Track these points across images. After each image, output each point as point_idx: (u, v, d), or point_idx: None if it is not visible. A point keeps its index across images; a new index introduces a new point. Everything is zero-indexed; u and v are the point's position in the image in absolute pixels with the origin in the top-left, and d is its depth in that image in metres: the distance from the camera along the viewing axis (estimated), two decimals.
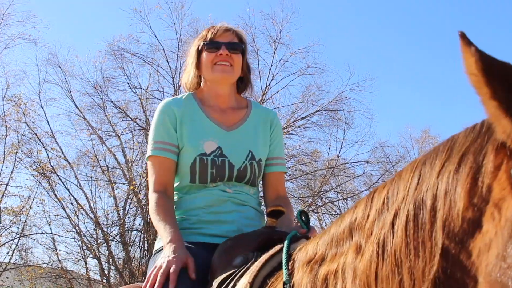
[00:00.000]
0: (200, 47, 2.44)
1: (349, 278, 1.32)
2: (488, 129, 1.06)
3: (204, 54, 2.42)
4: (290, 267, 1.65)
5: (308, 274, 1.50)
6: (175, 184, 2.40)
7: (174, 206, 2.35)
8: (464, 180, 1.05)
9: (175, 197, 2.39)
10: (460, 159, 1.09)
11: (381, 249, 1.22)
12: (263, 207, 2.54)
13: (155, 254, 2.29)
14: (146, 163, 2.46)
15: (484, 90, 0.95)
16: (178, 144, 2.35)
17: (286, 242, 1.78)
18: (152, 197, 2.29)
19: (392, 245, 1.19)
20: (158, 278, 1.95)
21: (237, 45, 2.44)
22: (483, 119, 1.10)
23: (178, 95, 2.61)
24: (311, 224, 2.07)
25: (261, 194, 2.57)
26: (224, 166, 2.32)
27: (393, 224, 1.21)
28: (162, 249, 2.15)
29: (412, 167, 1.25)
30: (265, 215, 2.42)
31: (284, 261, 1.68)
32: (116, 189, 16.58)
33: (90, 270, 16.81)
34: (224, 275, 1.88)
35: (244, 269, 1.84)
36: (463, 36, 0.99)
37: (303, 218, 2.07)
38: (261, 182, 2.54)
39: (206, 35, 2.44)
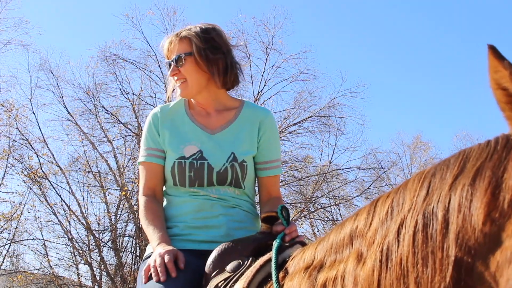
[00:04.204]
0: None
1: (350, 286, 1.32)
2: (505, 145, 1.07)
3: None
4: (283, 273, 1.66)
5: (306, 280, 1.50)
6: (164, 188, 2.45)
7: (164, 210, 2.38)
8: (482, 194, 1.05)
9: (165, 201, 2.43)
10: (476, 173, 1.09)
11: (385, 258, 1.22)
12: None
13: (145, 259, 2.30)
14: (138, 169, 2.50)
15: None
16: (163, 149, 2.39)
17: (274, 247, 1.81)
18: (141, 200, 2.36)
19: (397, 254, 1.19)
20: (159, 268, 1.98)
21: (179, 58, 2.35)
22: (497, 136, 1.11)
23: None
24: (302, 229, 2.09)
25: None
26: (202, 169, 2.31)
27: (398, 233, 1.21)
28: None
29: (419, 178, 1.24)
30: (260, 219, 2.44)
31: (273, 266, 1.70)
32: (108, 195, 16.51)
33: (81, 276, 16.73)
34: (219, 279, 1.89)
35: (239, 274, 1.85)
36: (493, 49, 0.98)
37: (284, 214, 2.08)
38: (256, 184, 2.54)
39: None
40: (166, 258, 2.01)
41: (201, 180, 2.31)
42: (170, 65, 2.40)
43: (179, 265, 2.02)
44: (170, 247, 2.09)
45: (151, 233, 2.21)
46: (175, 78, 2.41)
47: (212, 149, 2.34)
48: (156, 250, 2.09)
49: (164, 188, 2.44)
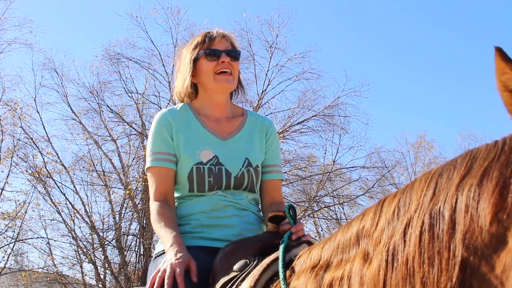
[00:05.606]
0: (196, 56, 2.43)
1: (356, 285, 1.32)
2: None
3: (204, 63, 2.42)
4: (289, 272, 1.66)
5: (313, 279, 1.50)
6: (175, 195, 2.41)
7: (176, 214, 2.34)
8: (490, 195, 1.05)
9: (176, 202, 2.40)
10: (483, 173, 1.09)
11: (391, 258, 1.22)
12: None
13: (156, 257, 2.29)
14: (143, 170, 2.47)
15: None
16: (176, 153, 2.36)
17: (281, 246, 1.81)
18: (153, 206, 2.30)
19: (403, 254, 1.19)
20: (166, 281, 1.93)
21: (236, 53, 2.45)
22: (504, 137, 1.11)
23: (174, 102, 2.61)
24: (306, 228, 2.09)
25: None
26: (221, 174, 2.33)
27: (404, 233, 1.21)
28: (164, 252, 2.16)
29: (426, 178, 1.24)
30: (264, 221, 2.45)
31: (280, 264, 1.70)
32: (112, 194, 16.55)
33: (85, 275, 16.78)
34: (226, 279, 1.90)
35: (246, 273, 1.86)
36: (500, 51, 0.98)
37: (291, 213, 2.10)
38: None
39: (203, 42, 2.43)
40: (178, 271, 1.94)
41: (219, 185, 2.33)
42: (214, 54, 2.40)
43: (191, 278, 1.98)
44: (183, 255, 2.02)
45: (164, 235, 2.16)
46: (224, 68, 2.40)
47: (227, 155, 2.37)
48: (169, 255, 2.04)
49: (175, 195, 2.41)
